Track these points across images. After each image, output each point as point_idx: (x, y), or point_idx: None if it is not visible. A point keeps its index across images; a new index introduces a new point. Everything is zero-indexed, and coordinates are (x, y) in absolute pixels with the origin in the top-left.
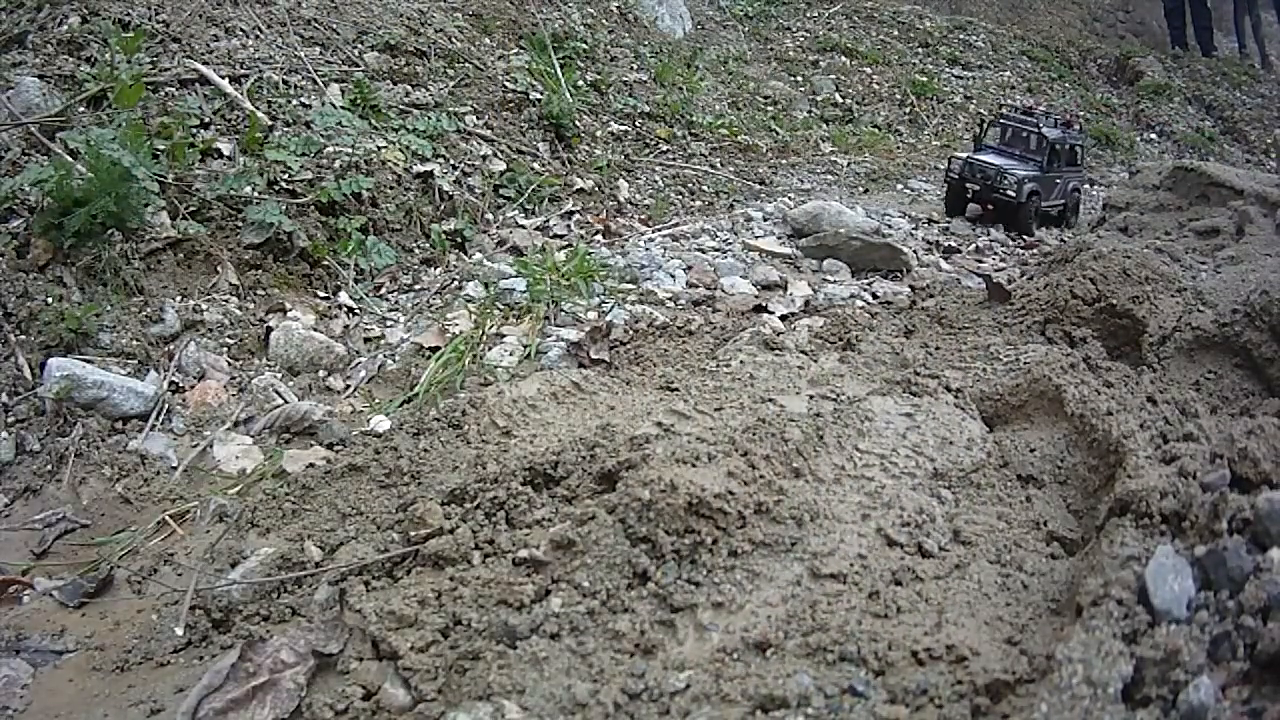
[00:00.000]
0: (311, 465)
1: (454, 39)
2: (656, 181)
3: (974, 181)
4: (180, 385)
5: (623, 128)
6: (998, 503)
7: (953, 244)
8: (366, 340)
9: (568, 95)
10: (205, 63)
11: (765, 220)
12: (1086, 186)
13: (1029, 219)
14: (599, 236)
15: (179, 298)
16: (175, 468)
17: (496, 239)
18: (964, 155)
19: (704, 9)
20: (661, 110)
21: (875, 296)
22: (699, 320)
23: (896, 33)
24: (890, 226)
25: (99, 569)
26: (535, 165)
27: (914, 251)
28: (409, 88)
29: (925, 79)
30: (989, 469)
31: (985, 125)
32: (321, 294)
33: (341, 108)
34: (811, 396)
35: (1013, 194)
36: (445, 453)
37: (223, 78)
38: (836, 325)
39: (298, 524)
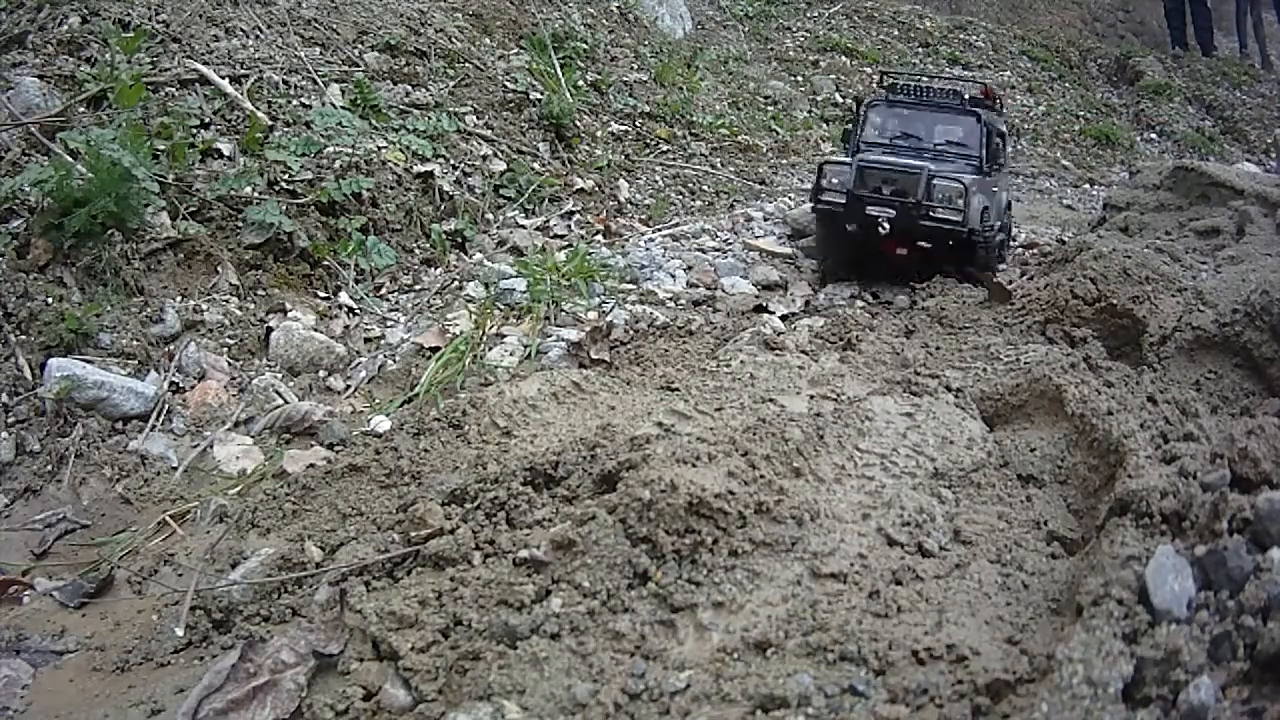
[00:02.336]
0: (312, 465)
1: (454, 39)
2: (657, 181)
3: (880, 203)
4: (180, 385)
5: (623, 128)
6: (998, 502)
7: None
8: (367, 340)
9: (568, 95)
10: (205, 63)
11: (765, 220)
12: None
13: (996, 258)
14: (599, 236)
15: (179, 298)
16: (175, 468)
17: (496, 239)
18: (847, 160)
19: (704, 9)
20: (662, 110)
21: (875, 296)
22: (699, 320)
23: (896, 32)
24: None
25: (99, 569)
26: (535, 165)
27: None
28: (409, 88)
29: None
30: (989, 468)
31: (863, 109)
32: (322, 294)
33: (341, 108)
34: (812, 396)
35: (957, 218)
36: (445, 453)
37: (223, 78)
38: (837, 325)
39: (298, 524)
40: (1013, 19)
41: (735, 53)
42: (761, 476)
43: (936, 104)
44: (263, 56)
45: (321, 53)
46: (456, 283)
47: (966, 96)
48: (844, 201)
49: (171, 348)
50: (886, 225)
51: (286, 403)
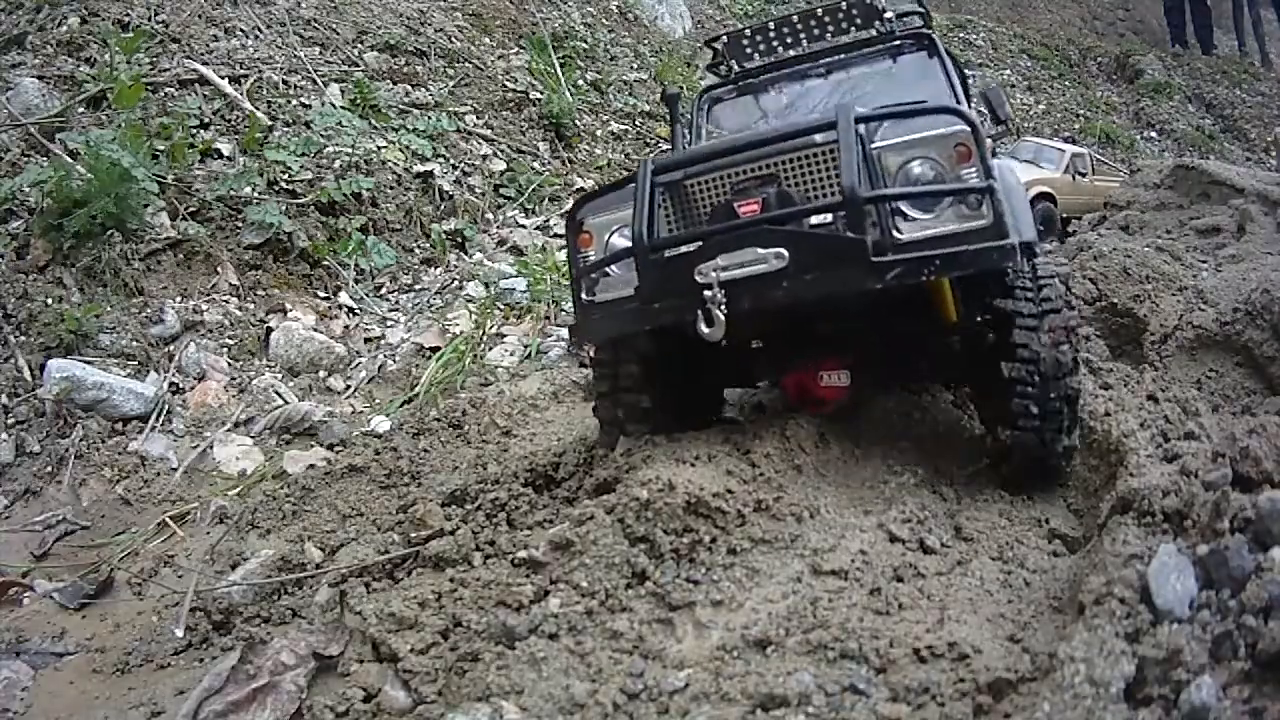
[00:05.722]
0: (312, 466)
1: (454, 39)
2: None
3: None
4: (180, 386)
5: (623, 126)
6: (999, 500)
7: None
8: (367, 340)
9: (568, 94)
10: (205, 63)
11: None
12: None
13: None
14: None
15: (179, 298)
16: (175, 469)
17: (497, 239)
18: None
19: (704, 7)
20: (662, 109)
21: None
22: None
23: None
24: None
25: (99, 571)
26: (535, 165)
27: None
28: (409, 88)
29: None
30: (990, 466)
31: (695, 112)
32: (322, 294)
33: (341, 108)
34: None
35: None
36: (445, 453)
37: (223, 78)
38: None
39: (298, 525)
40: (1012, 17)
41: None
42: (761, 474)
43: (837, 47)
44: (262, 56)
45: (321, 53)
46: (456, 283)
47: (883, 9)
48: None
49: (171, 348)
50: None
51: (286, 403)
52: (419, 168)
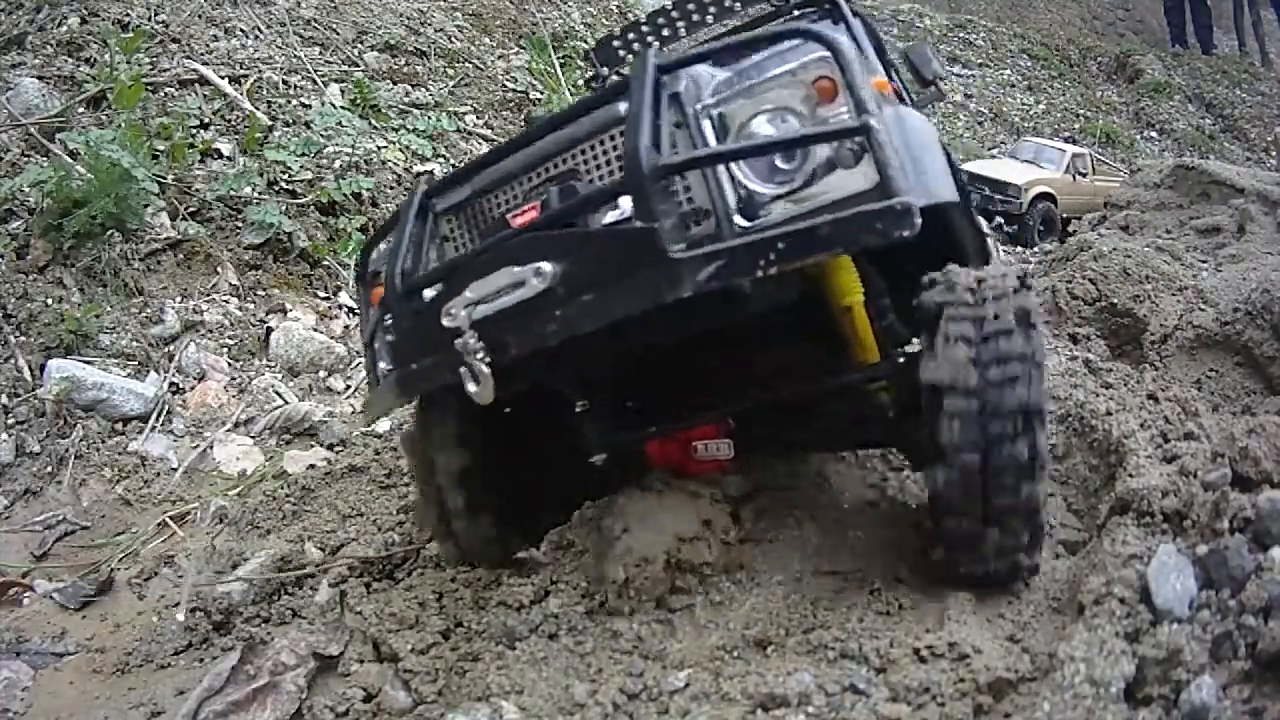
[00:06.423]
0: (312, 466)
1: (454, 39)
2: None
3: None
4: (180, 386)
5: None
6: None
7: None
8: None
9: (568, 94)
10: (205, 63)
11: None
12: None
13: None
14: None
15: (179, 298)
16: (175, 469)
17: None
18: None
19: None
20: None
21: None
22: None
23: (896, 31)
24: None
25: (99, 571)
26: None
27: None
28: (409, 87)
29: None
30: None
31: None
32: (322, 294)
33: (341, 108)
34: None
35: None
36: None
37: (222, 78)
38: None
39: (298, 525)
40: (1012, 17)
41: None
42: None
43: (725, 34)
44: (262, 56)
45: (321, 53)
46: None
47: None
48: None
49: (171, 348)
50: None
51: (286, 403)
52: (419, 168)
